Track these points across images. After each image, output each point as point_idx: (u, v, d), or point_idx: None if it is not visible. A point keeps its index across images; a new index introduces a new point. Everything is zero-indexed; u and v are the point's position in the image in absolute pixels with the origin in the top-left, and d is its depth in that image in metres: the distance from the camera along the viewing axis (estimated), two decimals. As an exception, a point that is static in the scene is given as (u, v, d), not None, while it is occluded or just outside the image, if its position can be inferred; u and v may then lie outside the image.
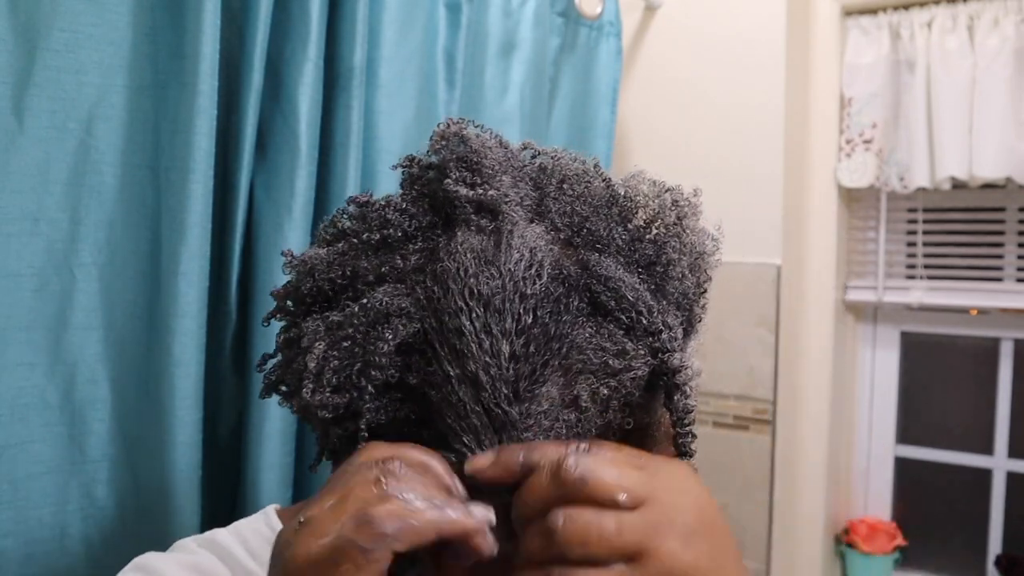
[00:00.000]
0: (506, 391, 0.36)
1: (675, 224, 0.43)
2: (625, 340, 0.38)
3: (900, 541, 1.58)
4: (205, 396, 0.74)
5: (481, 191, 0.40)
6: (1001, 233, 1.53)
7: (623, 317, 0.38)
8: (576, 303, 0.38)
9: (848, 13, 1.52)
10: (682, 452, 0.40)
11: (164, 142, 0.72)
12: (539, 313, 0.37)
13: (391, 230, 0.41)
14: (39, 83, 0.65)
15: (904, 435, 1.67)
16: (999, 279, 1.53)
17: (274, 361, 0.44)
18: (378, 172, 0.92)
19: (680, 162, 1.49)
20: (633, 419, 0.39)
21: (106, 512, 0.70)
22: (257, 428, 0.79)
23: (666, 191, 0.44)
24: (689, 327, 0.42)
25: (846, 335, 1.64)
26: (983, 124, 1.37)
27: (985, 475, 1.59)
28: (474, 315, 0.36)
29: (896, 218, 1.61)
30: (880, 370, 1.67)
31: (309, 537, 0.32)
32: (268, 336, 0.79)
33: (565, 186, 0.42)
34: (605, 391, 0.38)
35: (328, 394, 0.37)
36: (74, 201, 0.68)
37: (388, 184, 0.93)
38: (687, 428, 0.40)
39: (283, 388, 0.42)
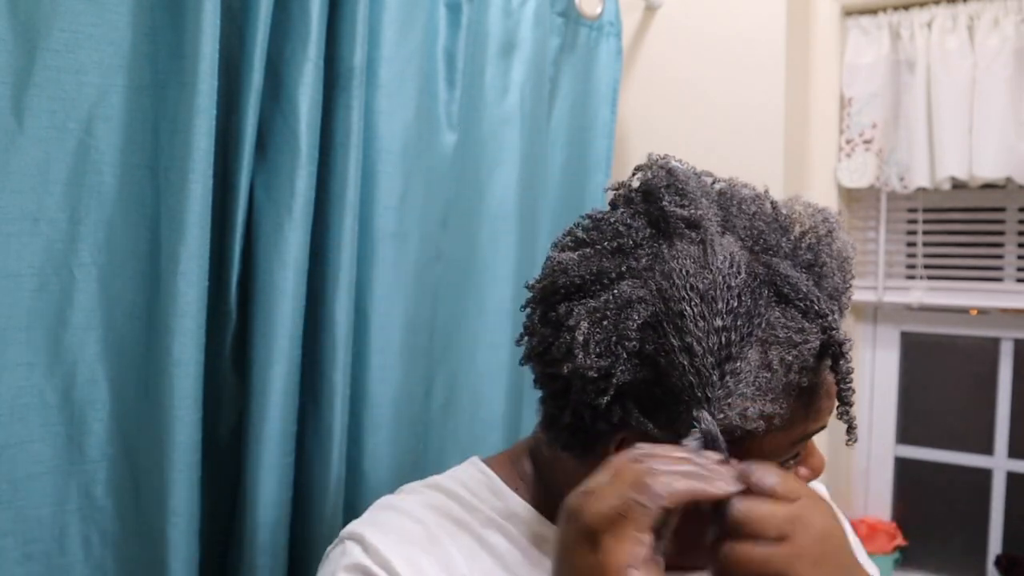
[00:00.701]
0: (712, 359, 0.49)
1: (827, 235, 0.55)
2: (803, 320, 0.51)
3: (900, 541, 1.58)
4: (205, 396, 0.74)
5: (691, 210, 0.53)
6: (1001, 233, 1.53)
7: (800, 304, 0.51)
8: (766, 293, 0.51)
9: (848, 13, 1.52)
10: (844, 402, 0.53)
11: (164, 142, 0.72)
12: (742, 298, 0.50)
13: (624, 239, 0.54)
14: (39, 83, 0.65)
15: (904, 435, 1.67)
16: (999, 279, 1.53)
17: (531, 340, 0.57)
18: (378, 172, 0.92)
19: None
20: (807, 379, 0.52)
21: (106, 512, 0.70)
22: (257, 428, 0.79)
23: (819, 210, 0.57)
24: (840, 314, 0.55)
25: (846, 335, 1.64)
26: (983, 124, 1.37)
27: (985, 475, 1.59)
28: (693, 303, 0.50)
29: (896, 218, 1.61)
30: (880, 370, 1.67)
31: (599, 500, 0.44)
32: (268, 336, 0.79)
33: (744, 206, 0.56)
34: (789, 358, 0.50)
35: (594, 358, 0.51)
36: (74, 201, 0.68)
37: (388, 184, 0.93)
38: (849, 385, 0.53)
39: (545, 356, 0.55)
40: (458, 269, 1.04)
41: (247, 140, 0.79)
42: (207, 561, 0.78)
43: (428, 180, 0.98)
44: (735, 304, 0.50)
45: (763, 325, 0.51)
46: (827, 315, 0.52)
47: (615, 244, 0.55)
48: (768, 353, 0.50)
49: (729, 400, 0.50)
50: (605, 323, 0.52)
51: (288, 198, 0.80)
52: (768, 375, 0.50)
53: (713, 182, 0.59)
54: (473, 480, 0.64)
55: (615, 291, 0.52)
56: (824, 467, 0.60)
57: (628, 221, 0.56)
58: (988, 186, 1.46)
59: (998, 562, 1.52)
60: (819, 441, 0.60)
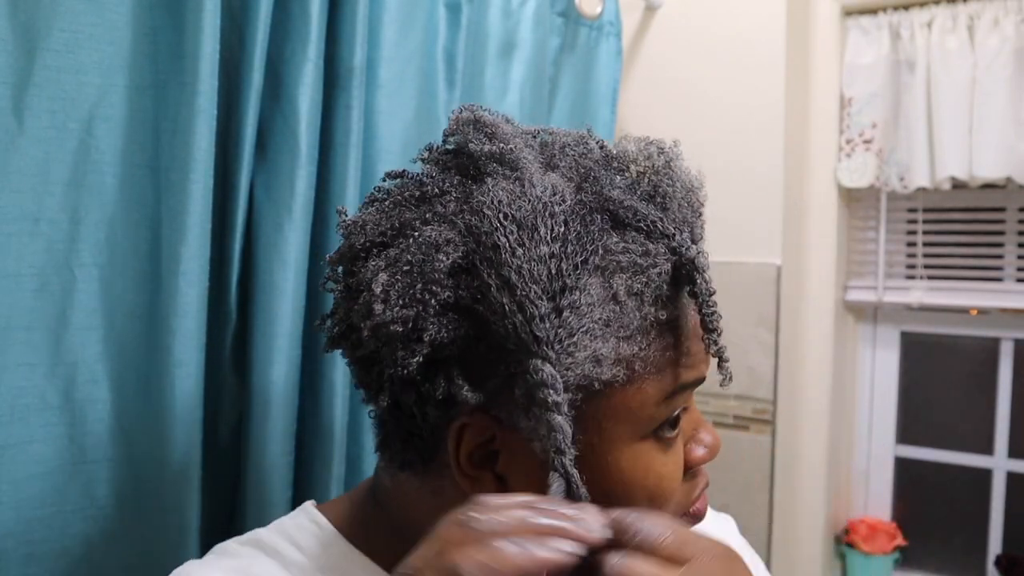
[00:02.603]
0: (538, 288, 0.41)
1: (665, 167, 0.48)
2: (647, 243, 0.44)
3: (900, 541, 1.58)
4: (205, 396, 0.74)
5: (501, 146, 0.46)
6: (1001, 233, 1.53)
7: (641, 225, 0.45)
8: (599, 219, 0.44)
9: (848, 13, 1.52)
10: (709, 330, 0.46)
11: (164, 142, 0.71)
12: (570, 224, 0.43)
13: (427, 188, 0.47)
14: (39, 83, 0.65)
15: (904, 435, 1.67)
16: (999, 279, 1.53)
17: (333, 319, 0.50)
18: (378, 172, 0.92)
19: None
20: (666, 312, 0.45)
21: (106, 512, 0.70)
22: (257, 428, 0.79)
23: (651, 143, 0.50)
24: (693, 241, 0.47)
25: (846, 335, 1.64)
26: (983, 124, 1.37)
27: (985, 475, 1.59)
28: (508, 231, 0.42)
29: (896, 218, 1.61)
30: (880, 370, 1.67)
31: None
32: (268, 336, 0.79)
33: (567, 149, 0.49)
34: (638, 285, 0.44)
35: (397, 310, 0.42)
36: (74, 201, 0.68)
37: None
38: (712, 309, 0.45)
39: (350, 334, 0.47)
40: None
41: (247, 140, 0.79)
42: (207, 561, 0.78)
43: (428, 180, 0.98)
44: (562, 230, 0.42)
45: (600, 251, 0.43)
46: (673, 234, 0.45)
47: (418, 193, 0.48)
48: (612, 282, 0.43)
49: (573, 340, 0.41)
50: (407, 268, 0.43)
51: (288, 198, 0.81)
52: (616, 307, 0.43)
53: (535, 135, 0.51)
54: (302, 532, 0.52)
55: (417, 235, 0.44)
56: (720, 445, 0.51)
57: (433, 173, 0.49)
58: (988, 186, 1.46)
59: (998, 562, 1.52)
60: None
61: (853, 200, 1.62)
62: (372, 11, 0.90)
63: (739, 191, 1.43)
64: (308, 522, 0.53)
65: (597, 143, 0.51)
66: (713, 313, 0.45)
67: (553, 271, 0.42)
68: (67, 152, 0.68)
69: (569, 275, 0.42)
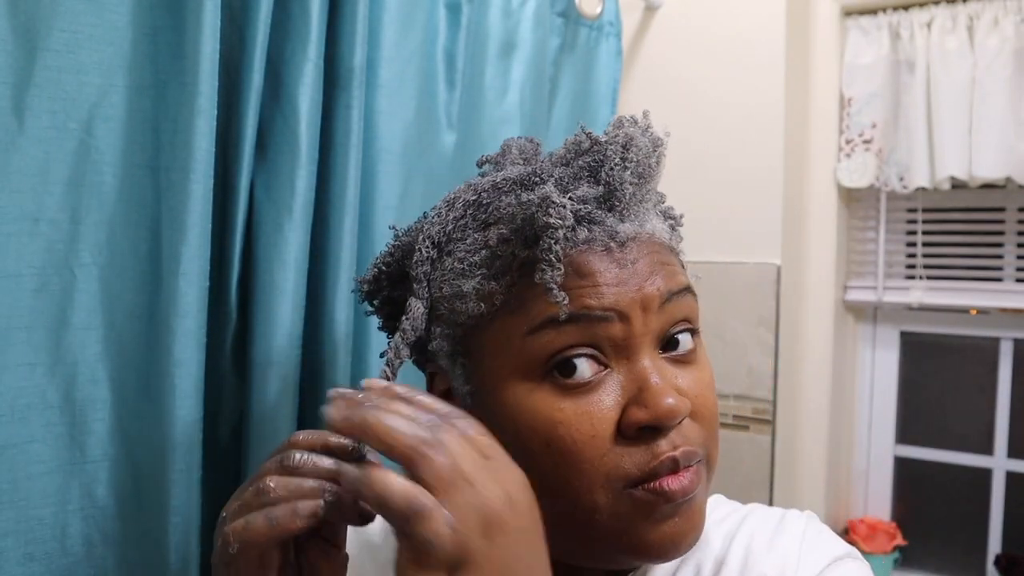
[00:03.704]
0: (429, 242, 0.53)
1: (624, 139, 0.52)
2: (526, 195, 0.49)
3: (900, 541, 1.58)
4: (205, 396, 0.74)
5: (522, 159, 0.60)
6: (1001, 233, 1.54)
7: (527, 182, 0.52)
8: (507, 187, 0.53)
9: (848, 13, 1.52)
10: (544, 260, 0.47)
11: (164, 142, 0.71)
12: (483, 194, 0.53)
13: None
14: (39, 83, 0.65)
15: (904, 435, 1.67)
16: (999, 279, 1.53)
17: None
18: (378, 172, 0.92)
19: (680, 162, 1.49)
20: (528, 251, 0.48)
21: (106, 512, 0.70)
22: (257, 428, 0.79)
23: (623, 120, 0.55)
24: (612, 211, 0.50)
25: (846, 335, 1.64)
26: (983, 124, 1.38)
27: (985, 475, 1.59)
28: (437, 208, 0.55)
29: (896, 218, 1.61)
30: (880, 370, 1.67)
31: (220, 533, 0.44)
32: (268, 336, 0.79)
33: (539, 151, 0.62)
34: (506, 231, 0.49)
35: (374, 268, 0.61)
36: (74, 201, 0.68)
37: (388, 184, 0.93)
38: (548, 244, 0.47)
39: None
40: (458, 269, 1.04)
41: (247, 140, 0.79)
42: (207, 561, 0.78)
43: (428, 180, 0.98)
44: (473, 198, 0.53)
45: (491, 210, 0.52)
46: (547, 181, 0.51)
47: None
48: (488, 232, 0.51)
49: (445, 279, 0.51)
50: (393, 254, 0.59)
51: (288, 198, 0.81)
52: (485, 252, 0.50)
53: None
54: None
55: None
56: (670, 411, 0.45)
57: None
58: (988, 186, 1.46)
59: (998, 562, 1.53)
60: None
61: (853, 200, 1.62)
62: (372, 11, 0.90)
63: (739, 191, 1.43)
64: None
65: (585, 134, 0.54)
66: (548, 247, 0.47)
67: (451, 227, 0.52)
68: (67, 152, 0.68)
69: (458, 231, 0.52)
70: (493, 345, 0.48)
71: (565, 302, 0.46)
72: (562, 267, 0.47)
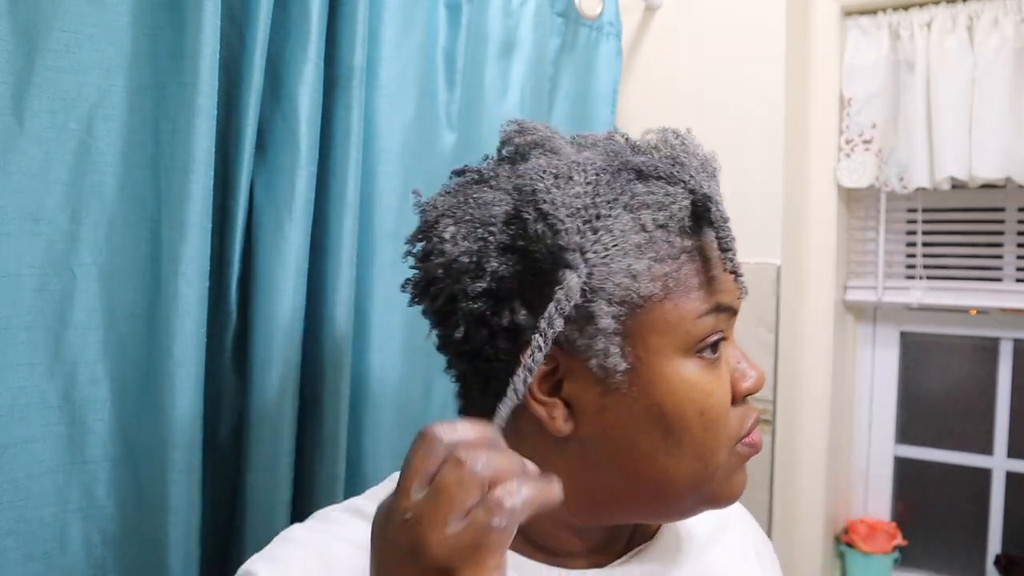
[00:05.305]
0: (569, 213, 0.49)
1: (680, 144, 0.56)
2: (667, 187, 0.51)
3: (900, 541, 1.58)
4: (205, 396, 0.74)
5: (543, 135, 0.57)
6: (1001, 233, 1.53)
7: (662, 173, 0.52)
8: (624, 174, 0.51)
9: (848, 13, 1.52)
10: (724, 249, 0.53)
11: (164, 142, 0.72)
12: (600, 175, 0.51)
13: (485, 172, 0.57)
14: (39, 83, 0.65)
15: (904, 435, 1.67)
16: (999, 279, 1.53)
17: (413, 281, 0.57)
18: (378, 172, 0.92)
19: (680, 162, 1.49)
20: (690, 241, 0.52)
21: (106, 512, 0.70)
22: (257, 428, 0.79)
23: (666, 130, 0.58)
24: (712, 203, 0.54)
25: (846, 335, 1.64)
26: (983, 124, 1.37)
27: (985, 475, 1.59)
28: (545, 179, 0.50)
29: (896, 218, 1.61)
30: (880, 370, 1.67)
31: (439, 528, 0.37)
32: (268, 336, 0.79)
33: (595, 141, 0.58)
34: (662, 218, 0.50)
35: (464, 245, 0.51)
36: (74, 201, 0.68)
37: (388, 184, 0.93)
38: (727, 233, 0.53)
39: (428, 288, 0.55)
40: (458, 269, 1.04)
41: (247, 140, 0.79)
42: (207, 561, 0.78)
43: (428, 180, 0.98)
44: (594, 177, 0.50)
45: (628, 194, 0.50)
46: (690, 178, 0.52)
47: (477, 177, 0.57)
48: (640, 215, 0.50)
49: (608, 254, 0.49)
50: (468, 219, 0.53)
51: (288, 198, 0.81)
52: (646, 235, 0.50)
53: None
54: None
55: (476, 198, 0.54)
56: (765, 378, 0.57)
57: (490, 163, 0.59)
58: (987, 186, 1.46)
59: (998, 562, 1.53)
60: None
61: (853, 200, 1.62)
62: (372, 11, 0.90)
63: (739, 191, 1.42)
64: None
65: (623, 135, 0.59)
66: (727, 236, 0.53)
67: (588, 203, 0.49)
68: (67, 152, 0.68)
69: (602, 207, 0.49)
70: (663, 325, 0.50)
71: (746, 294, 0.55)
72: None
